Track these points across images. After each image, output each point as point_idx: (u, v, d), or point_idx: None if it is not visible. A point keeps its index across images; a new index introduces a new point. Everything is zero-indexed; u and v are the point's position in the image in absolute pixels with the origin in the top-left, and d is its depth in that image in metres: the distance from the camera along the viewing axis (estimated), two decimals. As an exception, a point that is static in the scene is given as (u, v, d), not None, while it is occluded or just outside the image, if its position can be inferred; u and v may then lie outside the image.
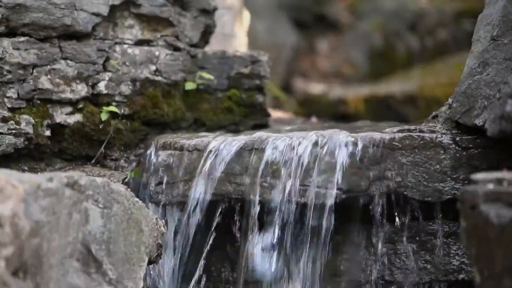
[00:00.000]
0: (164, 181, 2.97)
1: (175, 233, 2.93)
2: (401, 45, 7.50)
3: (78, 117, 3.15)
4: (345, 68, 7.59)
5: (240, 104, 3.42)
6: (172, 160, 2.98)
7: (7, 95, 3.03)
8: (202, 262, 2.92)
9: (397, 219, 2.83)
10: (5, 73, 3.01)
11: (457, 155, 2.81)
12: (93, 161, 3.18)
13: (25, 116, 3.03)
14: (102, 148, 3.18)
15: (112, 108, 3.18)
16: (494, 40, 2.85)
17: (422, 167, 2.81)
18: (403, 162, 2.80)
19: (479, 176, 2.16)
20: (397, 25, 7.61)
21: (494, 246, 2.04)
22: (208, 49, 3.53)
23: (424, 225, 2.84)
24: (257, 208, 2.83)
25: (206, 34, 3.48)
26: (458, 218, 2.18)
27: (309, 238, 2.80)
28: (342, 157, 2.80)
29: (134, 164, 3.18)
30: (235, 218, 2.88)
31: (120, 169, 3.16)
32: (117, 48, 3.24)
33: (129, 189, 2.52)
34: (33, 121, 3.04)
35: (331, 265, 2.84)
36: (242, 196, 2.86)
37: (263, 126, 3.44)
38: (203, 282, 2.94)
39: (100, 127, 3.17)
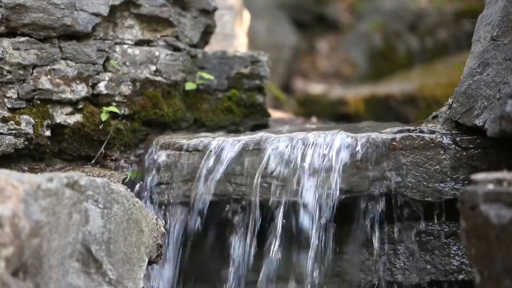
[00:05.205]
0: (164, 181, 2.97)
1: (176, 233, 2.93)
2: (401, 45, 7.50)
3: (78, 117, 3.15)
4: (345, 68, 7.59)
5: (240, 104, 3.42)
6: (172, 161, 2.98)
7: (7, 95, 3.03)
8: (202, 262, 2.93)
9: (397, 219, 2.83)
10: (5, 73, 3.01)
11: (457, 155, 2.81)
12: (93, 161, 3.18)
13: (25, 116, 3.03)
14: (102, 148, 3.18)
15: (112, 108, 3.18)
16: (494, 40, 2.85)
17: (422, 168, 2.81)
18: (403, 163, 2.80)
19: (479, 176, 2.16)
20: (397, 25, 7.62)
21: (494, 246, 2.04)
22: (208, 49, 3.53)
23: (424, 225, 2.84)
24: (257, 208, 2.83)
25: (206, 34, 3.48)
26: (458, 218, 2.19)
27: (309, 238, 2.80)
28: (342, 157, 2.80)
29: (134, 164, 3.18)
30: (235, 218, 2.88)
31: (120, 169, 3.16)
32: (117, 48, 3.24)
33: (129, 189, 2.52)
34: (33, 121, 3.04)
35: (331, 266, 2.84)
36: (242, 196, 2.86)
37: (263, 126, 3.44)
38: (203, 282, 2.94)
39: (100, 127, 3.17)
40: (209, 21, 3.45)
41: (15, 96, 3.04)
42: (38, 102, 3.08)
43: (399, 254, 2.84)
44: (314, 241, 2.80)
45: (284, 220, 2.82)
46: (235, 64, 3.43)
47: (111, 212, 2.42)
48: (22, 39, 3.05)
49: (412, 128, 2.93)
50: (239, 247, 2.88)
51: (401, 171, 2.80)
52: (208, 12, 3.45)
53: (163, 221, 2.80)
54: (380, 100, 6.18)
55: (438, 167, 2.81)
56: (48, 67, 3.09)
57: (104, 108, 3.17)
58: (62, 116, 3.13)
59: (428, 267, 2.83)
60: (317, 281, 2.81)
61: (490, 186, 2.10)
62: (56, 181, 2.24)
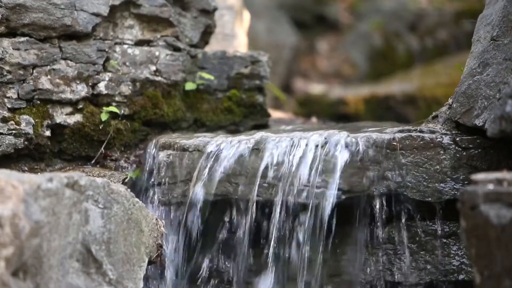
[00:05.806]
0: (165, 181, 2.97)
1: (176, 233, 2.93)
2: (401, 45, 7.50)
3: (78, 117, 3.15)
4: (345, 68, 7.59)
5: (240, 104, 3.42)
6: (172, 161, 2.98)
7: (7, 95, 3.03)
8: (202, 262, 2.93)
9: (397, 220, 2.83)
10: (5, 73, 3.01)
11: (457, 155, 2.81)
12: (93, 161, 3.18)
13: (25, 117, 3.03)
14: (102, 148, 3.18)
15: (112, 108, 3.18)
16: (494, 40, 2.85)
17: (422, 168, 2.81)
18: (403, 163, 2.80)
19: (479, 176, 2.16)
20: (397, 25, 7.62)
21: (494, 246, 2.04)
22: (208, 49, 3.53)
23: (424, 225, 2.84)
24: (257, 208, 2.83)
25: (206, 34, 3.48)
26: (458, 218, 2.19)
27: (309, 239, 2.80)
28: (342, 157, 2.80)
29: (134, 164, 3.18)
30: (235, 218, 2.88)
31: (120, 169, 3.16)
32: (117, 48, 3.24)
33: (129, 190, 2.52)
34: (33, 121, 3.04)
35: (331, 265, 2.85)
36: (242, 196, 2.86)
37: (263, 126, 3.44)
38: (204, 282, 2.94)
39: (100, 127, 3.17)
40: (209, 21, 3.45)
41: (15, 96, 3.04)
42: (38, 102, 3.08)
43: (399, 254, 2.84)
44: (313, 240, 2.80)
45: (284, 220, 2.82)
46: (235, 64, 3.43)
47: (111, 212, 2.42)
48: (22, 39, 3.05)
49: (412, 128, 2.93)
50: (239, 247, 2.88)
51: (401, 171, 2.80)
52: (208, 12, 3.45)
53: (163, 221, 2.80)
54: (380, 100, 6.17)
55: (438, 167, 2.81)
56: (48, 67, 3.09)
57: (104, 108, 3.17)
58: (62, 116, 3.13)
59: (428, 267, 2.83)
60: (317, 281, 2.81)
61: (490, 186, 2.10)
62: (56, 181, 2.24)
